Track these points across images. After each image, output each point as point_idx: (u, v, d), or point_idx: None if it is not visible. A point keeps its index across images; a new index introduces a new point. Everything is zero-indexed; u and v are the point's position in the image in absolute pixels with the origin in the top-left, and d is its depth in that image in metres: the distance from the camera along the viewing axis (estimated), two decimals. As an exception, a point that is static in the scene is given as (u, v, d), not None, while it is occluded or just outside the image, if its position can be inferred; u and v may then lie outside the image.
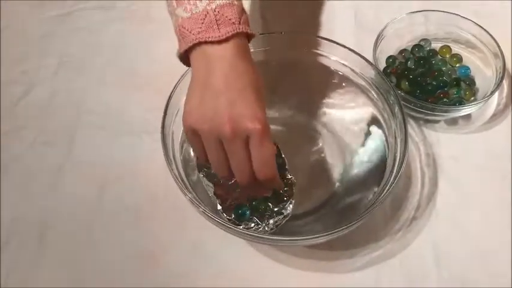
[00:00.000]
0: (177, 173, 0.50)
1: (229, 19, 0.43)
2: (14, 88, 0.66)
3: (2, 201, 0.57)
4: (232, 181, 0.51)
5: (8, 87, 0.66)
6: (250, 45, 0.46)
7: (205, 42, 0.43)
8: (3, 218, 0.56)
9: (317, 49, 0.59)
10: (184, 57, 0.46)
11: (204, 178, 0.51)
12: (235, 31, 0.43)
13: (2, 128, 0.62)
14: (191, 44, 0.43)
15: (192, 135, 0.44)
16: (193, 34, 0.43)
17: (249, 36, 0.46)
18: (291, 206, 0.50)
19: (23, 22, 0.73)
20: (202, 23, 0.43)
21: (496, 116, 0.63)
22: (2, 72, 0.67)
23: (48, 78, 0.67)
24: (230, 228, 0.47)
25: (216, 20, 0.43)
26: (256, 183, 0.45)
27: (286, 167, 0.52)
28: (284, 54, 0.61)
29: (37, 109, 0.64)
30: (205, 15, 0.43)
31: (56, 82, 0.67)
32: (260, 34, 0.59)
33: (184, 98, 0.54)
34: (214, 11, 0.43)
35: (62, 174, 0.59)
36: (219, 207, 0.50)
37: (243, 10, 0.45)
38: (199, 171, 0.51)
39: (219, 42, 0.42)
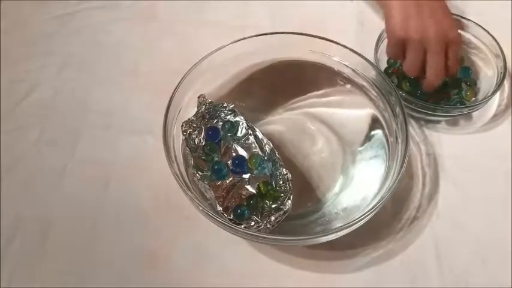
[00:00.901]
0: (178, 173, 0.50)
1: None
2: (17, 87, 0.66)
3: (5, 200, 0.57)
4: (228, 181, 0.52)
5: (12, 87, 0.66)
6: (252, 45, 0.47)
7: None
8: (7, 217, 0.56)
9: (319, 49, 0.59)
10: None
11: (200, 181, 0.52)
12: None
13: (5, 127, 0.63)
14: None
15: (397, 44, 0.58)
16: None
17: None
18: (289, 201, 0.51)
19: (26, 22, 0.73)
20: None
21: (497, 117, 0.63)
22: (5, 71, 0.68)
23: (51, 78, 0.67)
24: (232, 228, 0.47)
25: None
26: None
27: (281, 163, 0.52)
28: (286, 55, 0.61)
29: (40, 108, 0.65)
30: None
31: (59, 81, 0.67)
32: (262, 34, 0.60)
33: (187, 97, 0.55)
34: None
35: (65, 174, 0.59)
36: (219, 208, 0.51)
37: None
38: (194, 175, 0.52)
39: None
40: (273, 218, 0.50)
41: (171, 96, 0.53)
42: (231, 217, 0.50)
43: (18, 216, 0.56)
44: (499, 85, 0.60)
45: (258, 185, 0.52)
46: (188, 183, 0.50)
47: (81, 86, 0.67)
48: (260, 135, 0.54)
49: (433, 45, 0.57)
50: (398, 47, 0.59)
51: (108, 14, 0.74)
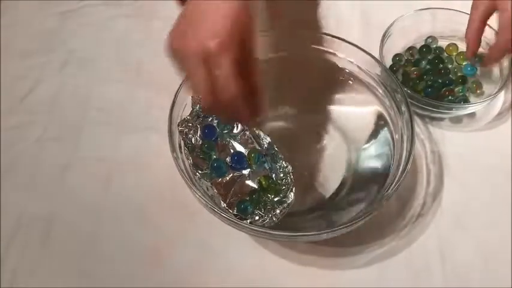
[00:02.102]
0: (183, 169, 0.50)
1: None
2: (20, 84, 0.66)
3: (8, 196, 0.57)
4: (228, 177, 0.52)
5: (15, 83, 0.66)
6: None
7: None
8: (9, 213, 0.56)
9: (324, 46, 0.59)
10: None
11: (202, 179, 0.51)
12: None
13: (7, 123, 0.63)
14: None
15: (174, 60, 0.44)
16: None
17: None
18: (292, 193, 0.50)
19: (29, 18, 0.73)
20: None
21: (502, 115, 0.63)
22: (8, 67, 0.68)
23: (54, 74, 0.67)
24: (237, 223, 0.47)
25: None
26: (222, 106, 0.43)
27: (280, 156, 0.52)
28: (290, 51, 0.61)
29: (43, 105, 0.64)
30: None
31: (61, 78, 0.67)
32: (266, 32, 0.59)
33: (191, 95, 0.54)
34: None
35: (68, 170, 0.59)
36: (223, 204, 0.51)
37: None
38: (194, 174, 0.51)
39: None
40: (278, 211, 0.49)
41: (176, 92, 0.53)
42: (235, 212, 0.50)
43: (20, 212, 0.56)
44: (504, 83, 0.60)
45: (259, 179, 0.51)
46: (193, 179, 0.50)
47: (83, 82, 0.66)
48: (257, 130, 0.54)
49: (188, 64, 0.42)
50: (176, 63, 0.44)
51: (110, 11, 0.73)
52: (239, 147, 0.53)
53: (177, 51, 0.42)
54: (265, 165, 0.53)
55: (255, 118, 0.47)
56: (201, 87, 0.42)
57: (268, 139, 0.53)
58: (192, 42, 0.41)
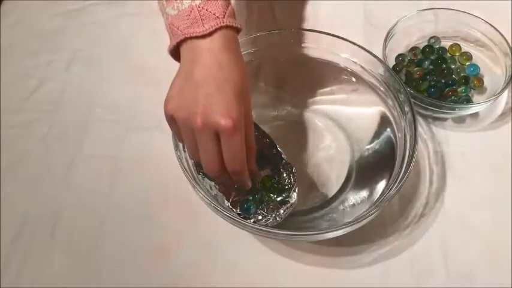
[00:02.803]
0: (187, 168, 0.50)
1: (213, 13, 0.44)
2: (26, 82, 0.66)
3: (14, 194, 0.58)
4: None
5: (20, 82, 0.67)
6: (258, 43, 0.46)
7: (192, 38, 0.43)
8: (15, 211, 0.56)
9: (327, 46, 0.59)
10: (175, 54, 0.47)
11: (206, 178, 0.52)
12: (219, 25, 0.43)
13: (13, 122, 0.63)
14: (179, 40, 0.44)
15: (171, 121, 0.45)
16: (180, 30, 0.44)
17: (237, 30, 0.46)
18: (295, 193, 0.51)
19: (35, 17, 0.73)
20: (188, 19, 0.44)
21: (505, 115, 0.63)
22: (14, 66, 0.68)
23: (59, 73, 0.67)
24: (240, 222, 0.47)
25: (200, 16, 0.43)
26: (226, 176, 0.46)
27: (283, 156, 0.52)
28: (293, 51, 0.61)
29: (48, 104, 0.65)
30: (190, 11, 0.44)
31: (67, 77, 0.67)
32: (270, 31, 0.60)
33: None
34: (199, 7, 0.44)
35: (73, 168, 0.59)
36: (227, 203, 0.51)
37: (228, 4, 0.45)
38: (198, 173, 0.52)
39: (204, 36, 0.43)
40: (281, 211, 0.50)
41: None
42: (238, 212, 0.50)
43: (26, 210, 0.56)
44: (507, 83, 0.60)
45: (262, 179, 0.52)
46: (196, 178, 0.51)
47: (89, 81, 0.67)
48: (260, 130, 0.54)
49: (197, 134, 0.43)
50: (173, 124, 0.46)
51: (115, 10, 0.74)
52: None
53: (183, 121, 0.44)
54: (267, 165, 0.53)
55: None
56: (212, 160, 0.44)
57: (270, 138, 0.53)
58: (204, 119, 0.42)
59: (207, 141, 0.43)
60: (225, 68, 0.43)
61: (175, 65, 0.46)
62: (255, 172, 0.50)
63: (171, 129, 0.47)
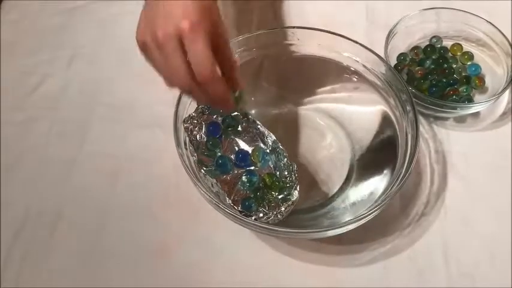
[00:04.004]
0: (189, 166, 0.50)
1: None
2: (27, 80, 0.67)
3: (15, 191, 0.58)
4: (233, 174, 0.52)
5: (22, 79, 0.67)
6: (259, 41, 0.46)
7: None
8: (17, 208, 0.56)
9: (329, 45, 0.59)
10: None
11: (207, 176, 0.52)
12: None
13: (15, 119, 0.63)
14: None
15: (144, 50, 0.45)
16: None
17: None
18: (296, 191, 0.51)
19: (36, 14, 0.73)
20: None
21: (506, 115, 0.63)
22: (15, 63, 0.68)
23: (61, 70, 0.68)
24: (242, 220, 0.47)
25: None
26: (196, 92, 0.44)
27: (285, 154, 0.52)
28: (295, 50, 0.61)
29: (50, 101, 0.65)
30: None
31: (68, 74, 0.67)
32: (271, 29, 0.60)
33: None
34: None
35: (75, 166, 0.59)
36: (228, 201, 0.51)
37: None
38: (199, 170, 0.52)
39: None
40: (282, 209, 0.50)
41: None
42: (239, 209, 0.50)
43: (27, 207, 0.56)
44: (508, 83, 0.60)
45: (263, 177, 0.52)
46: (198, 176, 0.51)
47: (90, 78, 0.67)
48: (261, 128, 0.54)
49: (160, 49, 0.42)
50: (145, 52, 0.45)
51: (117, 7, 0.74)
52: (243, 145, 0.54)
53: (150, 43, 0.43)
54: (269, 163, 0.53)
55: (233, 95, 0.48)
56: (178, 71, 0.42)
57: (273, 137, 0.53)
58: (164, 29, 0.41)
59: (170, 51, 0.41)
60: None
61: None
62: (238, 86, 0.48)
63: (148, 61, 0.46)
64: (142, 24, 0.44)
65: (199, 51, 0.41)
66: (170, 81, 0.44)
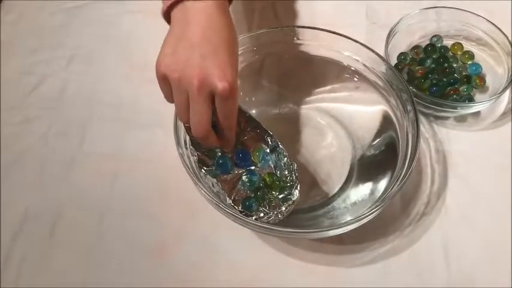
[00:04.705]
0: (189, 165, 0.50)
1: None
2: (26, 79, 0.66)
3: (14, 191, 0.57)
4: (233, 174, 0.52)
5: (21, 79, 0.66)
6: (260, 40, 0.46)
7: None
8: (16, 208, 0.56)
9: (329, 44, 0.59)
10: (168, 17, 0.47)
11: (207, 176, 0.52)
12: None
13: (14, 119, 0.63)
14: (173, 0, 0.44)
15: (163, 81, 0.45)
16: None
17: None
18: (297, 191, 0.51)
19: (36, 14, 0.73)
20: None
21: (506, 114, 0.63)
22: (14, 63, 0.68)
23: (60, 70, 0.67)
24: (242, 219, 0.47)
25: None
26: (212, 138, 0.48)
27: (285, 153, 0.52)
28: (296, 49, 0.61)
29: (49, 101, 0.65)
30: None
31: (68, 74, 0.67)
32: (272, 29, 0.59)
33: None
34: None
35: (74, 166, 0.59)
36: (229, 200, 0.51)
37: None
38: (199, 170, 0.52)
39: None
40: (283, 208, 0.50)
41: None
42: (240, 209, 0.50)
43: (26, 208, 0.56)
44: (509, 82, 0.60)
45: (263, 176, 0.52)
46: (198, 176, 0.51)
47: (89, 78, 0.67)
48: (262, 127, 0.54)
49: (191, 95, 0.44)
50: (164, 84, 0.46)
51: (117, 7, 0.74)
52: (244, 145, 0.54)
53: (176, 81, 0.44)
54: (270, 162, 0.53)
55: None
56: (203, 121, 0.45)
57: (273, 136, 0.53)
58: (197, 79, 0.43)
59: (201, 103, 0.44)
60: (219, 30, 0.44)
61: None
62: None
63: (162, 89, 0.47)
64: (170, 59, 0.44)
65: (232, 110, 0.46)
66: (184, 120, 0.47)
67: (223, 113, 0.46)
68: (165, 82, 0.45)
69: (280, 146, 0.53)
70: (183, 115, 0.46)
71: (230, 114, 0.46)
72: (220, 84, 0.42)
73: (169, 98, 0.47)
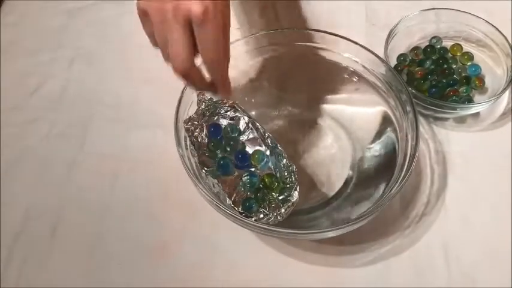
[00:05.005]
0: (189, 166, 0.50)
1: None
2: (27, 80, 0.67)
3: (15, 192, 0.58)
4: (234, 176, 0.52)
5: (22, 80, 0.67)
6: (261, 42, 0.46)
7: None
8: (17, 208, 0.56)
9: (329, 45, 0.59)
10: None
11: (208, 176, 0.52)
12: None
13: (15, 119, 0.63)
14: None
15: (144, 17, 0.43)
16: None
17: None
18: (296, 192, 0.51)
19: (37, 15, 0.73)
20: None
21: (506, 115, 0.63)
22: (16, 64, 0.68)
23: (61, 71, 0.68)
24: (242, 220, 0.47)
25: None
26: (195, 76, 0.44)
27: (284, 155, 0.53)
28: (295, 51, 0.61)
29: (50, 101, 0.65)
30: None
31: (69, 75, 0.67)
32: (272, 30, 0.60)
33: (196, 92, 0.55)
34: None
35: (75, 166, 0.59)
36: (229, 201, 0.51)
37: None
38: (200, 171, 0.52)
39: None
40: (283, 210, 0.50)
41: (183, 89, 0.53)
42: (240, 210, 0.50)
43: (27, 208, 0.56)
44: (508, 83, 0.60)
45: (262, 177, 0.52)
46: (199, 176, 0.51)
47: (91, 79, 0.67)
48: (261, 129, 0.54)
49: (168, 24, 0.41)
50: (145, 20, 0.44)
51: (118, 8, 0.74)
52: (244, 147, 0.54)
53: (154, 14, 0.42)
54: (269, 164, 0.53)
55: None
56: (181, 51, 0.42)
57: (272, 138, 0.53)
58: (175, 8, 0.40)
59: (178, 29, 0.41)
60: None
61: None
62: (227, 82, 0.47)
63: (144, 28, 0.45)
64: None
65: (211, 38, 0.41)
66: (168, 58, 0.43)
67: (202, 44, 0.41)
68: (146, 18, 0.43)
69: (280, 148, 0.53)
70: (164, 49, 0.43)
71: (210, 44, 0.41)
72: (195, 6, 0.39)
73: (152, 37, 0.44)
